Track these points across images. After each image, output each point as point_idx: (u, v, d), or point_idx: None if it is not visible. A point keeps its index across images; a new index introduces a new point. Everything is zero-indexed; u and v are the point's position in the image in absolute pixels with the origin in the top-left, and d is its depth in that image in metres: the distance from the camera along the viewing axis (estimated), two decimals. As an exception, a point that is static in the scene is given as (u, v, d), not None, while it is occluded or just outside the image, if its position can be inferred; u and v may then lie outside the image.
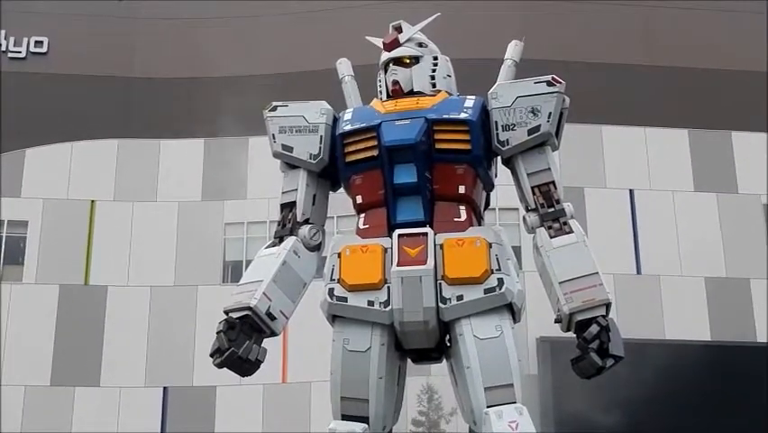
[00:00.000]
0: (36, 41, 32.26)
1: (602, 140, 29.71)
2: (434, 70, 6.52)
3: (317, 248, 6.36)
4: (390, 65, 6.51)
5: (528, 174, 6.17)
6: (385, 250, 5.93)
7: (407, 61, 6.49)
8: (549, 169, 6.17)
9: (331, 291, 5.97)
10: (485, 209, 6.54)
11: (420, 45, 6.58)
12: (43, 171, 29.92)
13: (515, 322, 5.93)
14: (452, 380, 6.18)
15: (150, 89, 31.35)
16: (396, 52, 6.49)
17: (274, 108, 6.58)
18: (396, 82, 6.42)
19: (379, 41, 6.63)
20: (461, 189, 6.11)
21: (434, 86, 6.47)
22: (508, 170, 6.35)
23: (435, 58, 6.58)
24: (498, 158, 6.37)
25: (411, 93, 6.41)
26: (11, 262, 29.60)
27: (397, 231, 5.96)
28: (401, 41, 6.51)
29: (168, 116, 30.96)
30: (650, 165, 29.65)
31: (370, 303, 5.84)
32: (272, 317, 5.96)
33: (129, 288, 28.95)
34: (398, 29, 6.58)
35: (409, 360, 6.26)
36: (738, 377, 25.71)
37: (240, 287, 6.10)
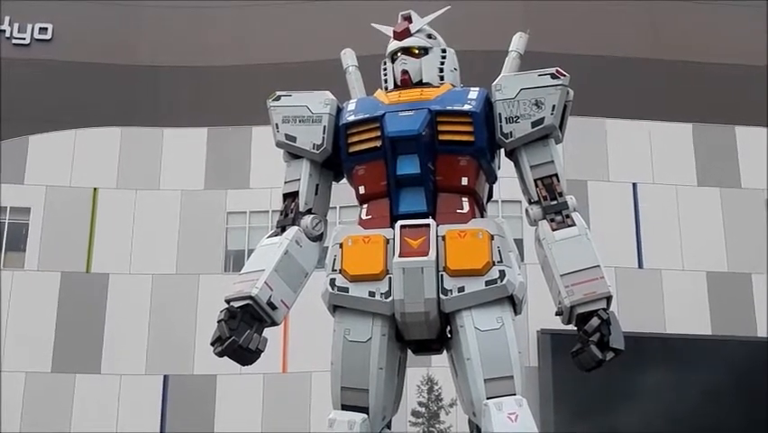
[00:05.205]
0: (41, 28, 32.21)
1: (606, 133, 29.64)
2: (442, 63, 6.52)
3: (319, 238, 6.34)
4: (399, 54, 6.48)
5: (531, 166, 6.17)
6: (387, 241, 5.93)
7: (417, 52, 6.47)
8: (552, 161, 6.17)
9: (332, 282, 5.97)
10: (488, 201, 6.54)
11: (429, 37, 6.58)
12: (46, 158, 29.88)
13: (516, 314, 5.94)
14: (452, 371, 6.18)
15: (154, 78, 31.31)
16: (407, 42, 6.47)
17: (278, 98, 6.56)
18: (405, 72, 6.40)
19: (387, 30, 6.60)
20: (464, 181, 6.11)
21: (441, 78, 6.46)
22: (511, 162, 6.35)
23: (444, 50, 6.58)
24: (501, 150, 6.36)
25: (415, 84, 6.39)
26: (13, 248, 29.59)
27: (400, 222, 5.96)
28: (412, 32, 6.49)
29: (171, 105, 30.94)
30: (653, 159, 29.60)
31: (372, 294, 5.84)
32: (273, 307, 5.97)
33: (131, 276, 28.94)
34: (408, 18, 6.56)
35: (410, 351, 6.27)
36: (738, 371, 25.64)
37: (241, 276, 6.10)
